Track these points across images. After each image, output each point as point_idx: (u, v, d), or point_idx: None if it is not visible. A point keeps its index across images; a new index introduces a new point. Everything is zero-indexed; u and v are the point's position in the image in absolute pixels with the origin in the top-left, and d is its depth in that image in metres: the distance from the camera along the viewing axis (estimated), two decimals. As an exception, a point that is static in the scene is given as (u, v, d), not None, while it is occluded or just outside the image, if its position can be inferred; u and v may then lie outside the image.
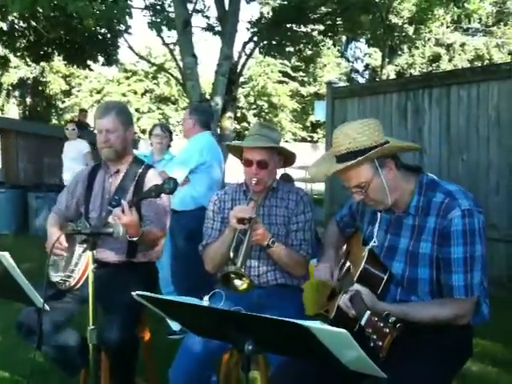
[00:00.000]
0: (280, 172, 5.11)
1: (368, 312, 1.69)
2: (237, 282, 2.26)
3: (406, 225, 2.05)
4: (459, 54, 30.35)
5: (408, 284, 2.02)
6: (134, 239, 2.60)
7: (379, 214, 2.15)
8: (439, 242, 1.95)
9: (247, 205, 2.49)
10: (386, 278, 2.03)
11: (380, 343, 1.60)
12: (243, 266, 2.25)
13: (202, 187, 4.10)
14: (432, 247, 1.96)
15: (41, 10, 10.11)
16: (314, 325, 1.34)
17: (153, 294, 1.68)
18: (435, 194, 1.99)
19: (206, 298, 2.24)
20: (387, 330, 1.61)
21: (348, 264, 2.28)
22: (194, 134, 4.23)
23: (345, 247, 2.45)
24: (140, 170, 2.93)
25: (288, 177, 8.05)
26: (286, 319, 1.37)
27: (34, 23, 11.99)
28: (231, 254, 2.36)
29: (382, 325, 1.62)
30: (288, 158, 2.73)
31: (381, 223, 2.15)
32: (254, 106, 32.75)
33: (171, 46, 11.94)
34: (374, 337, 1.62)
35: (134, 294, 1.67)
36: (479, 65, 24.43)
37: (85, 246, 2.46)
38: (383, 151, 1.95)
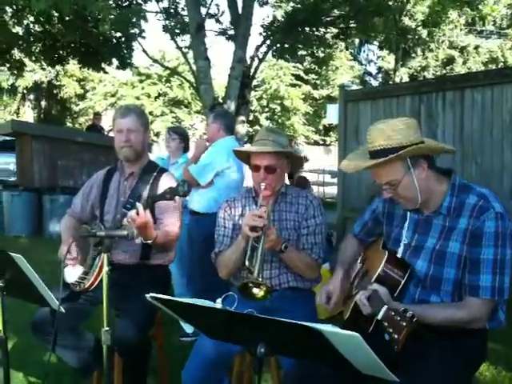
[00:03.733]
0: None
1: (385, 306, 1.69)
2: (254, 290, 2.26)
3: (436, 225, 2.05)
4: (473, 57, 30.12)
5: (431, 283, 2.02)
6: (148, 241, 2.63)
7: (408, 214, 2.15)
8: (470, 242, 1.95)
9: (258, 211, 2.50)
10: (403, 281, 2.03)
11: (396, 336, 1.61)
12: (260, 274, 2.24)
13: (225, 191, 4.11)
14: (461, 247, 1.96)
15: (56, 14, 10.23)
16: (326, 328, 1.35)
17: (166, 296, 1.69)
18: (468, 196, 1.99)
19: (219, 300, 2.25)
20: (404, 324, 1.61)
21: (365, 269, 2.27)
22: (219, 138, 4.28)
23: (362, 254, 2.43)
24: (154, 173, 2.96)
25: (305, 180, 8.01)
26: (298, 322, 1.37)
27: (49, 27, 12.12)
28: (247, 263, 2.36)
29: (398, 318, 1.63)
30: (296, 162, 2.73)
31: (407, 222, 2.15)
32: (267, 110, 32.70)
33: (185, 50, 12.01)
34: (391, 330, 1.63)
35: (147, 296, 1.68)
36: (493, 68, 24.25)
37: (99, 248, 2.49)
38: (417, 151, 1.94)
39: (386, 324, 1.66)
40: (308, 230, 2.64)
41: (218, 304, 2.17)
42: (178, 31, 11.24)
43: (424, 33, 20.63)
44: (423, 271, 2.03)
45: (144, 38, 11.78)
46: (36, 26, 12.48)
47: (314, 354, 1.60)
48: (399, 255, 2.14)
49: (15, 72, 15.67)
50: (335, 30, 12.89)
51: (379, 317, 1.69)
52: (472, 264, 1.94)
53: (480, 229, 1.92)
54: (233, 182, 4.22)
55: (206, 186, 4.14)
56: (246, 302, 2.31)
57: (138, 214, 2.45)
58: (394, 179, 1.98)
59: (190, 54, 11.28)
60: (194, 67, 10.36)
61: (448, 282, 1.99)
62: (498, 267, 1.91)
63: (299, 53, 13.71)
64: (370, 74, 36.47)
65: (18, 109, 31.91)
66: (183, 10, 11.44)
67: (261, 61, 12.21)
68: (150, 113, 30.28)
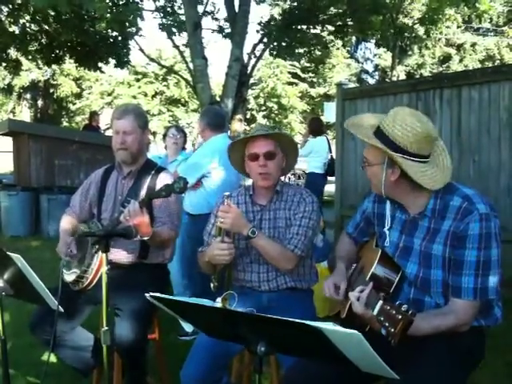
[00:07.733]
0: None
1: (381, 301, 1.70)
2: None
3: (421, 226, 2.05)
4: (470, 55, 30.15)
5: (421, 284, 2.02)
6: (145, 238, 2.63)
7: (388, 213, 2.16)
8: (453, 244, 1.94)
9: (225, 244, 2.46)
10: (397, 278, 2.03)
11: (392, 329, 1.60)
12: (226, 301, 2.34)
13: (216, 191, 4.06)
14: (444, 249, 1.96)
15: (53, 13, 10.21)
16: (327, 326, 1.35)
17: (166, 296, 1.69)
18: (452, 198, 1.98)
19: (219, 299, 2.25)
20: (400, 317, 1.61)
21: (360, 267, 2.28)
22: (208, 137, 4.23)
23: (357, 253, 2.43)
24: (152, 172, 2.96)
25: (319, 121, 8.01)
26: (299, 320, 1.37)
27: (45, 26, 12.09)
28: (215, 283, 2.50)
29: (394, 312, 1.63)
30: (290, 156, 2.69)
31: (395, 223, 2.15)
32: (264, 108, 32.74)
33: (181, 48, 12.00)
34: (387, 324, 1.63)
35: (147, 295, 1.68)
36: (490, 65, 24.28)
37: (97, 246, 2.48)
38: (396, 159, 1.93)
39: (381, 318, 1.66)
40: (293, 222, 2.59)
41: (218, 303, 2.17)
42: (174, 30, 11.22)
43: (421, 30, 20.65)
44: (413, 273, 2.03)
45: (141, 35, 11.75)
46: (32, 25, 12.44)
47: (314, 353, 1.59)
48: (378, 243, 2.16)
49: (11, 71, 15.62)
50: (332, 28, 12.90)
51: (375, 312, 1.69)
52: (455, 265, 1.94)
53: (464, 231, 1.91)
54: (224, 181, 4.09)
55: (195, 188, 4.08)
56: (245, 301, 2.31)
57: (134, 210, 2.45)
58: (368, 159, 2.07)
59: (187, 53, 11.27)
60: (191, 66, 10.36)
61: (437, 283, 1.99)
62: (480, 269, 1.90)
63: (296, 51, 13.66)
64: (366, 71, 36.46)
65: (14, 108, 31.87)
66: (180, 8, 11.43)
67: (258, 59, 12.20)
68: (147, 112, 30.25)
